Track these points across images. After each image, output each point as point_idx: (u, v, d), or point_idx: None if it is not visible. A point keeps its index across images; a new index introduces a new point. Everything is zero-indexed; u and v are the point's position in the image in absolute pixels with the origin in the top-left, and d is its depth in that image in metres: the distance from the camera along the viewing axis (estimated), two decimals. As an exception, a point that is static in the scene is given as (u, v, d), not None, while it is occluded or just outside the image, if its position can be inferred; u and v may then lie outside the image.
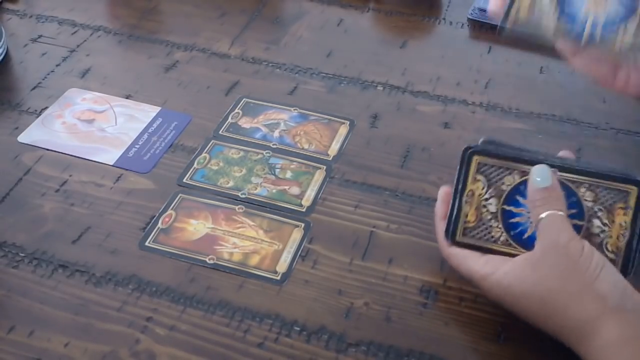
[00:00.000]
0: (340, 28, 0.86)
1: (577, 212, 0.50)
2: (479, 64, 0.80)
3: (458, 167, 0.53)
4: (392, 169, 0.66)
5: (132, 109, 0.73)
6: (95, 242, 0.59)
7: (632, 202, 0.50)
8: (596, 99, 0.75)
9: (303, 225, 0.60)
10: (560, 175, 0.51)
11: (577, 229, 0.50)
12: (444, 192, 0.56)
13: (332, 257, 0.58)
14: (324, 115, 0.72)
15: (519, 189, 0.52)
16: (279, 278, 0.56)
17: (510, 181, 0.52)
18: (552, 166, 0.51)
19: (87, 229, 0.60)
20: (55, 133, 0.70)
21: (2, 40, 0.78)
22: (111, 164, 0.66)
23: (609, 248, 0.50)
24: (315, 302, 0.55)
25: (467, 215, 0.53)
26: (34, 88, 0.76)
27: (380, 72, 0.78)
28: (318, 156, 0.67)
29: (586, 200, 0.51)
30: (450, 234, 0.53)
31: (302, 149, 0.68)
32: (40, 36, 0.83)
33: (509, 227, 0.52)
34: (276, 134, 0.70)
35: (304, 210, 0.62)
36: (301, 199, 0.63)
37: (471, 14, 0.87)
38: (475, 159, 0.52)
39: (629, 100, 0.75)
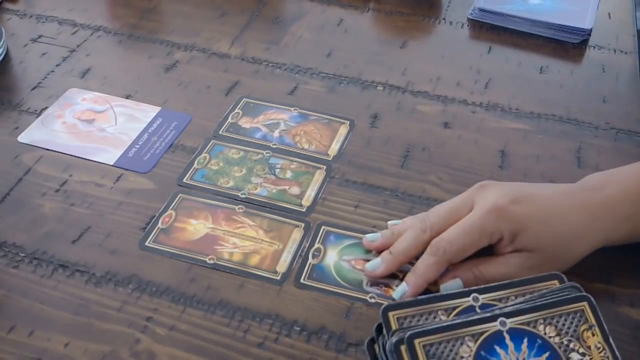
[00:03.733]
0: (340, 28, 0.86)
1: (550, 354, 0.46)
2: (479, 64, 0.80)
3: None
4: (392, 169, 0.66)
5: (132, 109, 0.73)
6: (95, 242, 0.59)
7: (591, 318, 0.47)
8: (596, 99, 0.75)
9: (303, 225, 0.60)
10: (512, 322, 0.46)
11: None
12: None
13: (332, 257, 0.58)
14: (324, 115, 0.72)
15: (481, 355, 0.45)
16: (279, 278, 0.56)
17: (467, 351, 0.45)
18: (498, 316, 0.46)
19: (87, 229, 0.60)
20: (55, 133, 0.70)
21: (2, 40, 0.78)
22: (111, 164, 0.66)
23: None
24: (315, 302, 0.55)
25: None
26: (34, 88, 0.76)
27: (380, 72, 0.78)
28: (318, 156, 0.67)
29: (550, 337, 0.46)
30: None
31: (302, 149, 0.68)
32: (40, 36, 0.83)
33: None
34: (276, 134, 0.70)
35: (304, 210, 0.62)
36: (301, 199, 0.63)
37: (471, 14, 0.87)
38: (418, 342, 0.45)
39: (629, 100, 0.75)
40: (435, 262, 0.53)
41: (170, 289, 0.55)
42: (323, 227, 0.60)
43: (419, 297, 0.48)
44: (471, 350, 0.45)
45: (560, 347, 0.46)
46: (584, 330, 0.47)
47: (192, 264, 0.57)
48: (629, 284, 0.56)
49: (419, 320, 0.46)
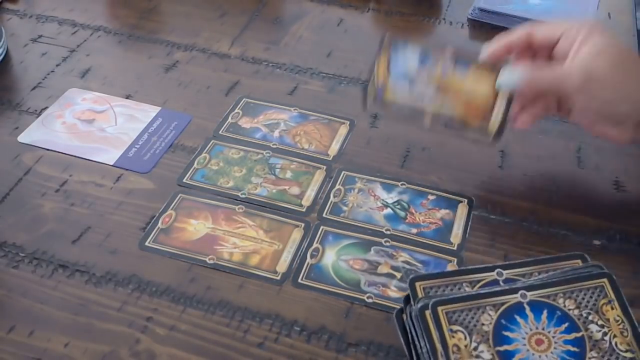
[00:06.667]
0: (340, 28, 0.86)
1: (569, 325, 0.47)
2: (479, 64, 0.80)
3: (420, 330, 0.46)
4: (392, 169, 0.66)
5: (132, 109, 0.73)
6: (95, 242, 0.59)
7: (611, 294, 0.48)
8: (596, 99, 0.75)
9: (303, 225, 0.60)
10: (532, 295, 0.48)
11: (580, 341, 0.47)
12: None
13: (332, 257, 0.58)
14: (324, 115, 0.72)
15: (501, 323, 0.46)
16: (278, 278, 0.56)
17: (488, 319, 0.47)
18: (519, 289, 0.48)
19: (87, 229, 0.60)
20: (55, 133, 0.70)
21: (2, 40, 0.78)
22: (111, 164, 0.66)
23: (621, 347, 0.47)
24: (315, 302, 0.55)
25: None
26: (34, 88, 0.76)
27: (380, 72, 0.78)
28: (318, 156, 0.67)
29: (570, 309, 0.48)
30: None
31: (302, 149, 0.68)
32: (40, 36, 0.83)
33: None
34: (276, 134, 0.70)
35: (304, 210, 0.62)
36: (301, 199, 0.63)
37: (471, 14, 0.87)
38: (441, 309, 0.46)
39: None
40: None
41: (170, 289, 0.55)
42: (322, 227, 0.60)
43: (445, 270, 0.53)
44: (492, 319, 0.47)
45: (579, 319, 0.47)
46: (603, 304, 0.48)
47: (192, 264, 0.57)
48: (629, 283, 0.56)
49: (444, 291, 0.48)
